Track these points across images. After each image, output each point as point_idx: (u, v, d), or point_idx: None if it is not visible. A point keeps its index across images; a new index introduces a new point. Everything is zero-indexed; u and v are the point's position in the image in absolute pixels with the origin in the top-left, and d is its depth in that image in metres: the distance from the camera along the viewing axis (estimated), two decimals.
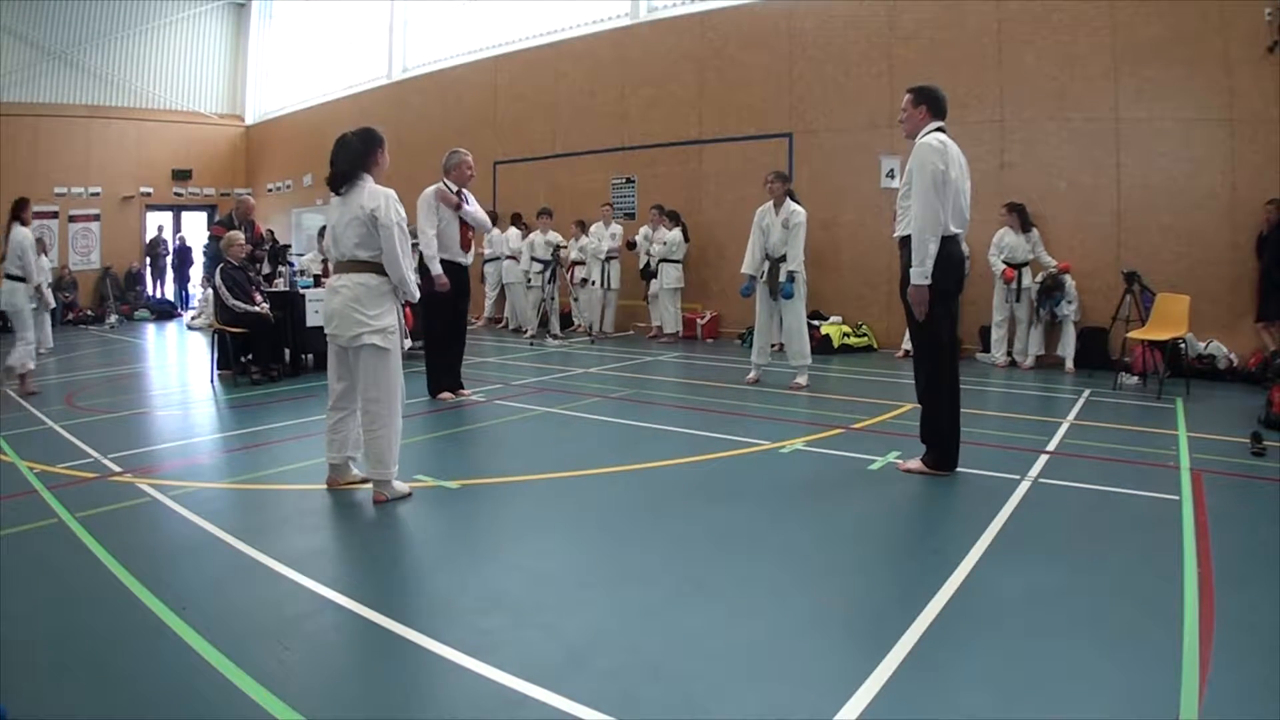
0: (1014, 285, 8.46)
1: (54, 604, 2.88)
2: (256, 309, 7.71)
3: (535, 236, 11.77)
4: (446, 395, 6.69)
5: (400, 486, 4.05)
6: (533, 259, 11.66)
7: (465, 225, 6.59)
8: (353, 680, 2.38)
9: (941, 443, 4.38)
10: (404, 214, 4.00)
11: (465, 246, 6.65)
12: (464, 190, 6.61)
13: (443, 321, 6.64)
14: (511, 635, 2.58)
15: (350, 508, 3.96)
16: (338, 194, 4.03)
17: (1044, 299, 8.30)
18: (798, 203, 7.29)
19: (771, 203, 7.26)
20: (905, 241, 4.32)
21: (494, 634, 2.59)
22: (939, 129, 4.33)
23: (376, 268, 3.98)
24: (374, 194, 3.94)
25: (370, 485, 4.04)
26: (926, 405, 4.44)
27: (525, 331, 11.74)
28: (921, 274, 4.17)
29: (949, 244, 4.23)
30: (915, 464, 4.46)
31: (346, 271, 4.01)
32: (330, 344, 4.12)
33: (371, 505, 3.93)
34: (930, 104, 4.38)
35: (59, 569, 3.19)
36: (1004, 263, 8.51)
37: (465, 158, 6.59)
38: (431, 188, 6.50)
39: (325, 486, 4.21)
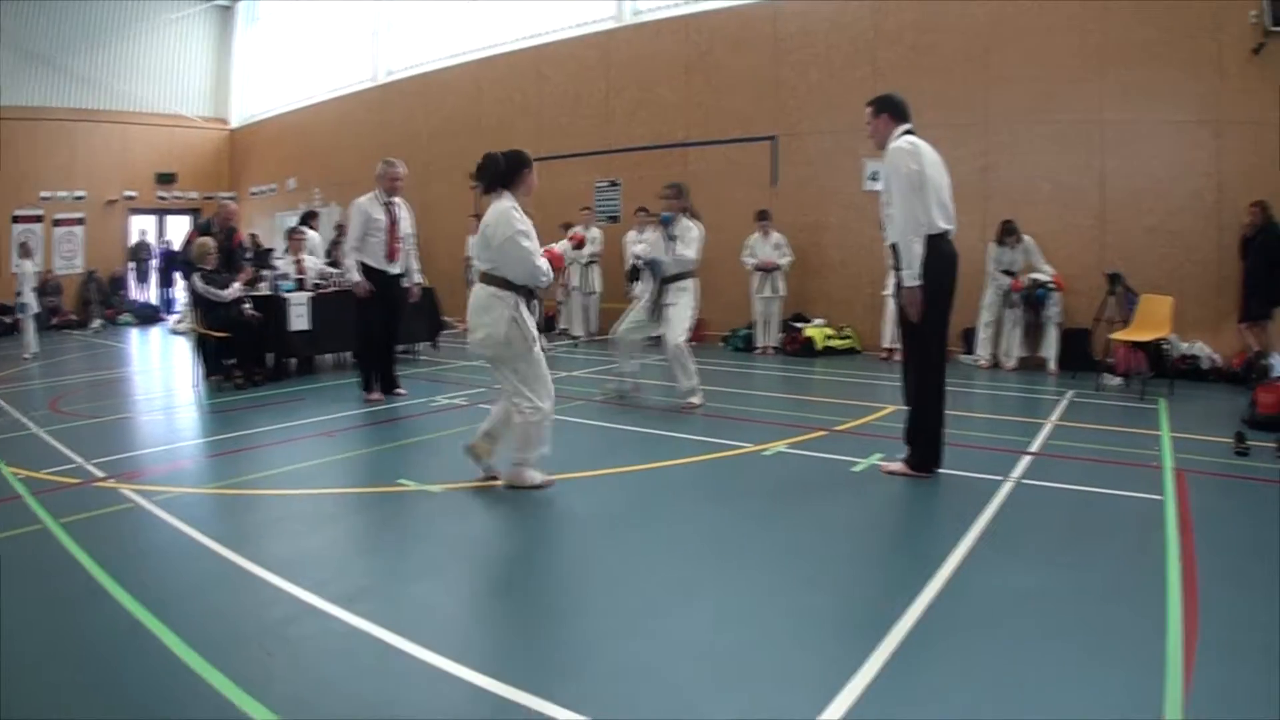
0: (1016, 294, 8.47)
1: (37, 609, 2.85)
2: (241, 293, 7.75)
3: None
4: (376, 396, 6.82)
5: (533, 476, 4.22)
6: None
7: (394, 235, 6.70)
8: (336, 685, 2.36)
9: (924, 444, 4.40)
10: (517, 227, 4.02)
11: (391, 256, 6.73)
12: (395, 200, 6.72)
13: (375, 325, 6.78)
14: (498, 639, 2.58)
15: (333, 513, 3.94)
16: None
17: (1029, 304, 8.34)
18: (697, 220, 6.57)
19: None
20: (895, 248, 4.33)
21: (480, 638, 2.58)
22: (907, 131, 4.35)
23: (493, 279, 4.12)
24: (495, 209, 4.11)
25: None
26: (915, 407, 4.44)
27: None
28: (911, 276, 4.18)
29: (940, 242, 4.25)
30: (898, 465, 4.47)
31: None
32: None
33: (353, 510, 3.92)
34: (890, 110, 4.40)
35: (42, 574, 3.17)
36: (1004, 273, 8.52)
37: (390, 169, 6.68)
38: (363, 197, 6.67)
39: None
